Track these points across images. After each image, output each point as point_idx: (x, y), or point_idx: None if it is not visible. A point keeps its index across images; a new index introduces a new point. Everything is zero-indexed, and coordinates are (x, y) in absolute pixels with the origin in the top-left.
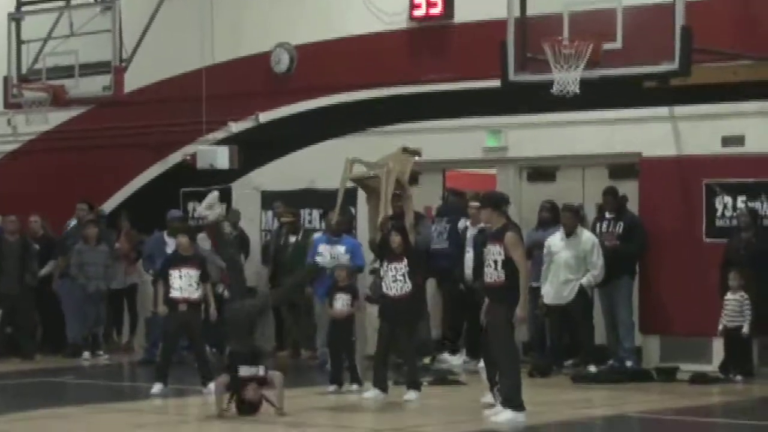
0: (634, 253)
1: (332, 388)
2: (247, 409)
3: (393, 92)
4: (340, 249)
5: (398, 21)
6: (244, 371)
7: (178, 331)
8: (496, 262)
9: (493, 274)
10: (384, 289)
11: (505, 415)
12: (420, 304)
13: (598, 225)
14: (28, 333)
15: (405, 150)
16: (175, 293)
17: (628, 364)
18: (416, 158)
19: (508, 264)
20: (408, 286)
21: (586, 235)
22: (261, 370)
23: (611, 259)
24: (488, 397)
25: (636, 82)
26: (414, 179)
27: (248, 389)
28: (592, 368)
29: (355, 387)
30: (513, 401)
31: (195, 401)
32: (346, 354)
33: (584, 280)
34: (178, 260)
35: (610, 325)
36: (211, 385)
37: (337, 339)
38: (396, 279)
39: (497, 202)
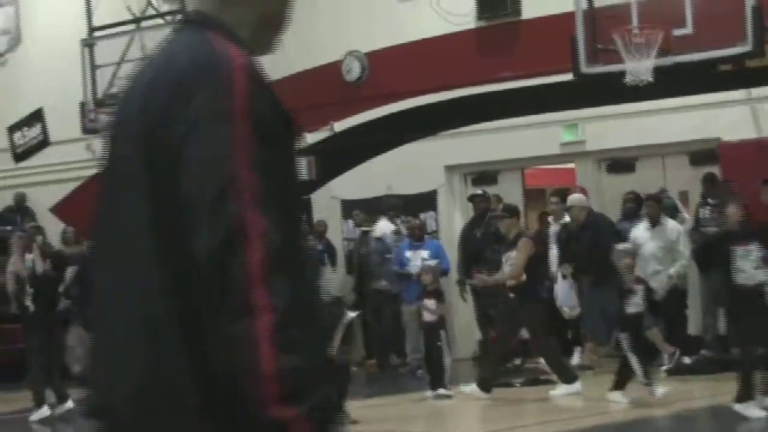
0: None
1: (431, 393)
2: None
3: (465, 93)
4: (424, 253)
5: (466, 21)
6: None
7: None
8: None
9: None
10: None
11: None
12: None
13: (701, 211)
14: None
15: None
16: None
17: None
18: None
19: None
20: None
21: (671, 225)
22: None
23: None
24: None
25: (710, 67)
26: None
27: None
28: (687, 359)
29: (441, 391)
30: None
31: None
32: (435, 358)
33: (672, 271)
34: None
35: (712, 312)
36: None
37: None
38: None
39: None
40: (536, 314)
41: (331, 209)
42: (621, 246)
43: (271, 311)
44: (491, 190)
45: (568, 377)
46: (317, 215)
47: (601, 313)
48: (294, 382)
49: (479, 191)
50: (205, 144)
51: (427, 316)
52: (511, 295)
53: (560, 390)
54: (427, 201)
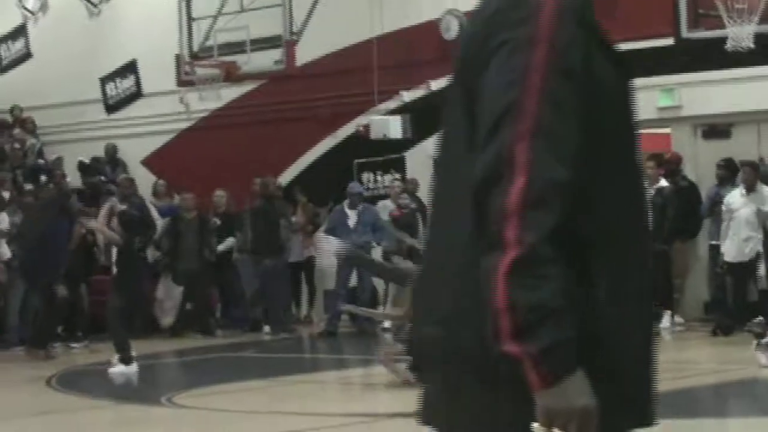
0: None
1: None
2: None
3: None
4: None
5: None
6: None
7: None
8: None
9: None
10: None
11: None
12: None
13: None
14: (209, 309)
15: None
16: None
17: None
18: None
19: None
20: None
21: (767, 191)
22: None
23: None
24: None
25: None
26: None
27: None
28: None
29: None
30: None
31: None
32: None
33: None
34: None
35: None
36: None
37: None
38: None
39: None
40: None
41: (426, 168)
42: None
43: (518, 246)
44: None
45: None
46: (412, 173)
47: None
48: (525, 321)
49: None
50: (499, 70)
51: None
52: None
53: None
54: None
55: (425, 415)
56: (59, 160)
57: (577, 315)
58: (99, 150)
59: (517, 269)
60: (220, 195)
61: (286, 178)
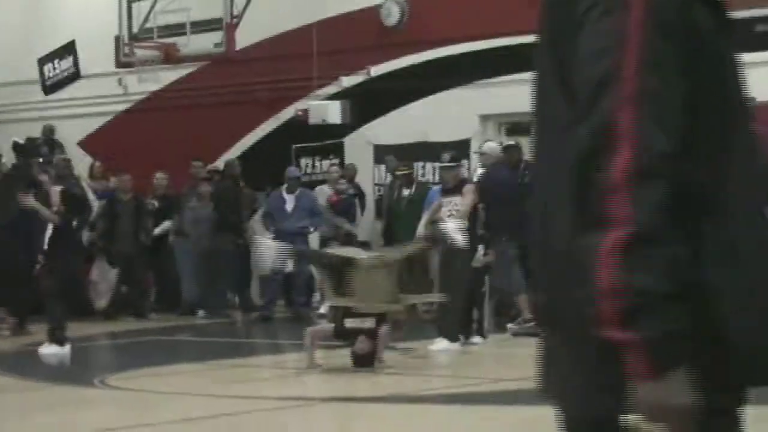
0: None
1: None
2: (360, 361)
3: (504, 42)
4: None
5: None
6: (350, 323)
7: None
8: None
9: None
10: None
11: None
12: None
13: None
14: (143, 292)
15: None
16: None
17: None
18: None
19: None
20: None
21: None
22: (368, 323)
23: None
24: None
25: (747, 27)
26: None
27: (357, 341)
28: None
29: (478, 339)
30: None
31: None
32: (478, 306)
33: None
34: None
35: None
36: None
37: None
38: None
39: None
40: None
41: (365, 154)
42: None
43: (627, 224)
44: (526, 140)
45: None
46: (350, 159)
47: None
48: (633, 305)
49: (512, 142)
50: (593, 35)
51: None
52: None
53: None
54: (460, 149)
55: (544, 384)
56: None
57: (692, 297)
58: (36, 131)
59: (623, 249)
60: (161, 177)
61: (223, 162)
